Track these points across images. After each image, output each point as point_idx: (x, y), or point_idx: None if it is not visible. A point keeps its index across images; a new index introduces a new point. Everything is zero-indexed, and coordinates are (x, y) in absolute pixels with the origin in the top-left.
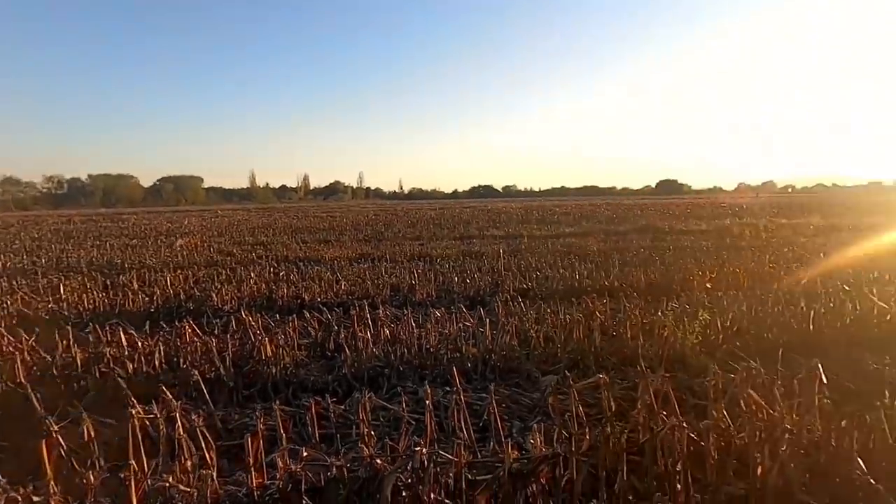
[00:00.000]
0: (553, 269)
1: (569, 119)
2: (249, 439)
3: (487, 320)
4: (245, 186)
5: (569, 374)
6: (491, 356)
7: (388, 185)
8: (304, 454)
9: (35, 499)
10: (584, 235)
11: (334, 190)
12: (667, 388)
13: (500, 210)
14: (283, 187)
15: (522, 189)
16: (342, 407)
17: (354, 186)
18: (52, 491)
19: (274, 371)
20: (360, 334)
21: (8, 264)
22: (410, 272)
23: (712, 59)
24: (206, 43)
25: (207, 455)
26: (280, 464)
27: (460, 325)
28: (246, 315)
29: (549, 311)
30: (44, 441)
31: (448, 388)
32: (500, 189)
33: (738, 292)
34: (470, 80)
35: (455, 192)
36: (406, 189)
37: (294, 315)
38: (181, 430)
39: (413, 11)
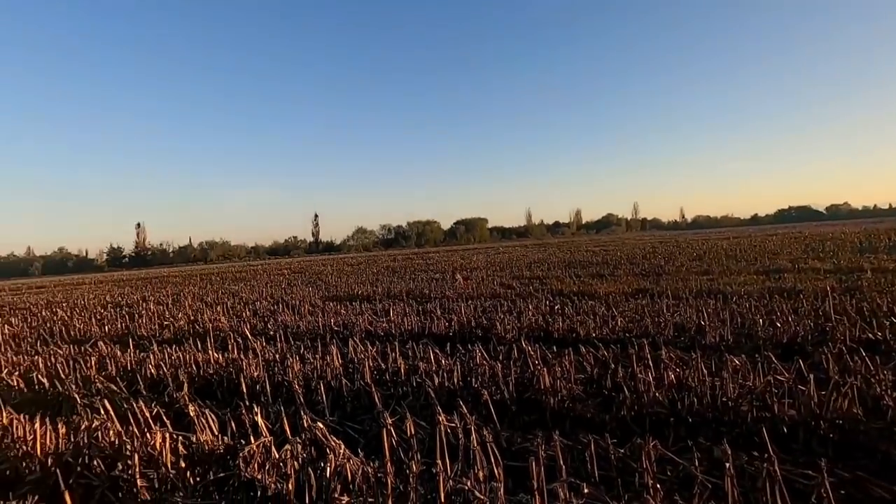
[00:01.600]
0: None
1: None
2: (533, 464)
3: (811, 376)
4: (522, 224)
5: None
6: (819, 423)
7: (668, 215)
8: (586, 491)
9: (371, 472)
10: None
11: (607, 223)
12: None
13: (823, 236)
14: (556, 223)
15: (858, 208)
16: (622, 450)
17: (629, 218)
18: (388, 470)
19: (552, 402)
20: (640, 375)
21: (358, 291)
22: (698, 310)
23: None
24: (475, 100)
25: (496, 470)
26: (561, 494)
27: (769, 378)
28: (526, 345)
29: None
30: (383, 430)
31: (755, 454)
32: (822, 210)
33: None
34: (764, 84)
35: (755, 216)
36: (689, 217)
37: (569, 349)
38: (475, 442)
39: (693, 34)
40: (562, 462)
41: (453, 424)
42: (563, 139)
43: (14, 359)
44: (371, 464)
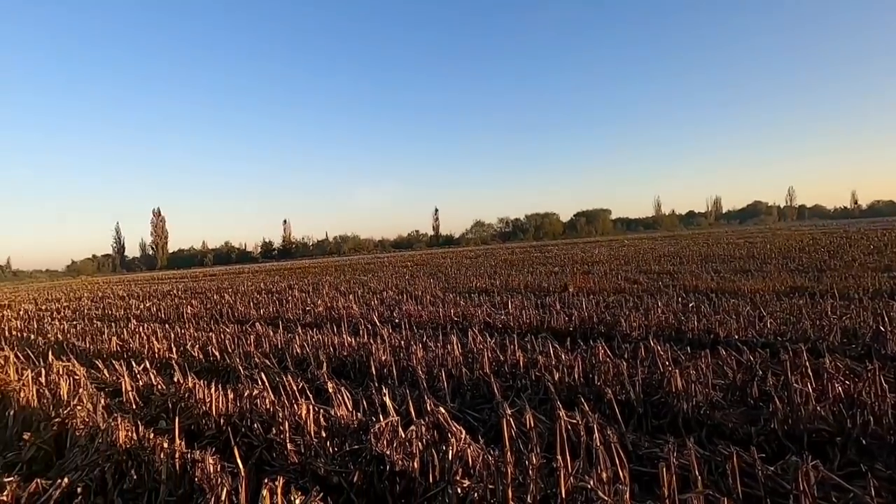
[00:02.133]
0: None
1: None
2: (664, 471)
3: None
4: (650, 215)
5: None
6: None
7: (835, 201)
8: None
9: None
10: None
11: (753, 212)
12: None
13: None
14: (691, 213)
15: None
16: (772, 468)
17: (781, 206)
18: (508, 460)
19: (685, 407)
20: (795, 385)
21: (477, 284)
22: (876, 314)
23: None
24: (593, 84)
25: (620, 472)
26: None
27: None
28: (654, 344)
29: None
30: (503, 421)
31: None
32: None
33: None
34: None
35: None
36: (864, 203)
37: (706, 350)
38: (598, 441)
39: None
40: (697, 473)
41: (574, 421)
42: (696, 120)
43: (195, 334)
44: (491, 452)
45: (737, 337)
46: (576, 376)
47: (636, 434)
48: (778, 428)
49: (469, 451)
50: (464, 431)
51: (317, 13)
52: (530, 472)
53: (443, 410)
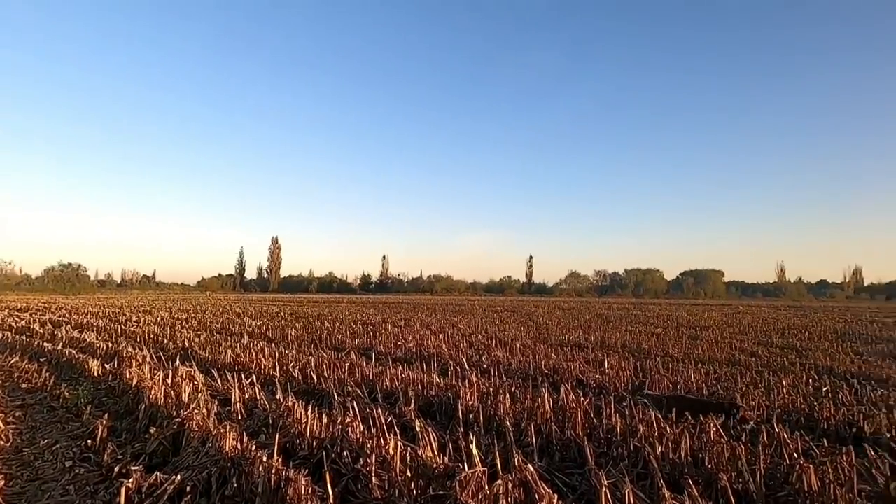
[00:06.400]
0: None
1: None
2: None
3: None
4: (771, 281)
5: None
6: None
7: None
8: None
9: None
10: None
11: None
12: None
13: None
14: (822, 282)
15: None
16: None
17: None
18: None
19: None
20: None
21: (570, 337)
22: None
23: None
24: (707, 136)
25: None
26: None
27: None
28: (780, 430)
29: None
30: (602, 492)
31: None
32: None
33: None
34: None
35: None
36: None
37: (849, 447)
38: None
39: None
40: None
41: None
42: (832, 180)
43: (296, 356)
44: None
45: (888, 435)
46: (681, 453)
47: None
48: None
49: None
50: (555, 496)
51: (424, 56)
52: None
53: (531, 468)
